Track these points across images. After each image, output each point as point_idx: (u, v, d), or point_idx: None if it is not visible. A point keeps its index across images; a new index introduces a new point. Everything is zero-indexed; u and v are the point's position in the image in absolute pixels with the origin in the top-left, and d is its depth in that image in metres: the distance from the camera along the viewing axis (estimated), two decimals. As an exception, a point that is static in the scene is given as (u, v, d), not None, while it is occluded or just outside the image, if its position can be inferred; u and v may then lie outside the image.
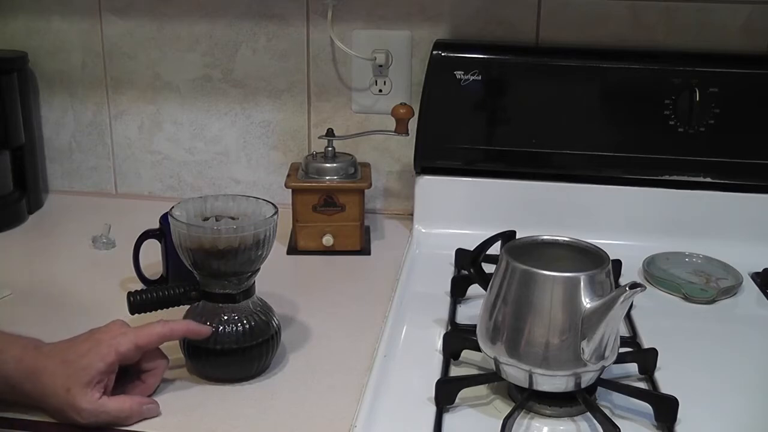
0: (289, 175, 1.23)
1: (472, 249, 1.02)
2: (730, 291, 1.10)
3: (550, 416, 0.83)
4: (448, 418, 0.83)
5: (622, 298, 0.77)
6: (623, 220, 1.23)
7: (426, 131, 1.24)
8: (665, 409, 0.81)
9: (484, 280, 0.94)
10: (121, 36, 1.37)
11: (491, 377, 0.86)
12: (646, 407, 0.83)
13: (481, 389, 0.87)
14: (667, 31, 1.25)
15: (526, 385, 0.83)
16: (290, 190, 1.20)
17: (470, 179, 1.25)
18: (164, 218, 1.05)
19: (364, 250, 1.23)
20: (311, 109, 1.36)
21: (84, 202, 1.43)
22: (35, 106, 1.41)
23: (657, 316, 1.05)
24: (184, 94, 1.38)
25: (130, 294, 0.88)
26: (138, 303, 0.88)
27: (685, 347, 0.97)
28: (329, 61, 1.33)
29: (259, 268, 0.89)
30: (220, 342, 0.87)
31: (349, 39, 1.31)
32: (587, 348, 0.80)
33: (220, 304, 0.88)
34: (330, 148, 1.23)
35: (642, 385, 0.88)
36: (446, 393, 0.84)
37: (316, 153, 1.24)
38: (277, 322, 0.91)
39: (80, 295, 1.08)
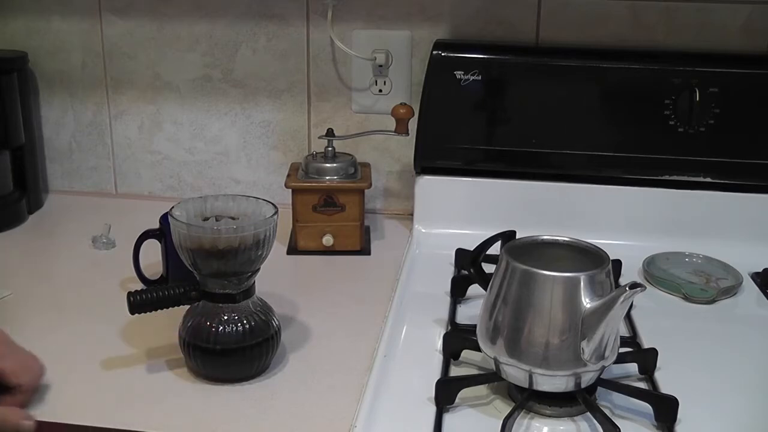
0: (289, 175, 1.23)
1: (472, 249, 1.02)
2: (730, 291, 1.10)
3: (550, 416, 0.83)
4: (448, 418, 0.83)
5: (622, 298, 0.77)
6: (623, 220, 1.23)
7: (426, 131, 1.24)
8: (665, 409, 0.81)
9: (484, 280, 0.94)
10: (121, 36, 1.37)
11: (491, 377, 0.86)
12: (646, 407, 0.83)
13: (481, 389, 0.87)
14: (667, 31, 1.25)
15: (526, 385, 0.83)
16: (290, 190, 1.20)
17: (470, 179, 1.25)
18: (164, 218, 1.05)
19: (364, 250, 1.22)
20: (311, 109, 1.36)
21: (84, 202, 1.43)
22: (35, 106, 1.41)
23: (657, 316, 1.05)
24: (184, 94, 1.38)
25: (130, 294, 0.88)
26: (138, 303, 0.88)
27: (685, 347, 0.97)
28: (329, 61, 1.33)
29: (259, 268, 0.89)
30: (220, 342, 0.87)
31: (349, 39, 1.31)
32: (587, 348, 0.80)
33: (220, 304, 0.88)
34: (330, 148, 1.23)
35: (642, 385, 0.88)
36: (446, 393, 0.84)
37: (316, 153, 1.24)
38: (277, 322, 0.91)
39: (80, 295, 1.08)
